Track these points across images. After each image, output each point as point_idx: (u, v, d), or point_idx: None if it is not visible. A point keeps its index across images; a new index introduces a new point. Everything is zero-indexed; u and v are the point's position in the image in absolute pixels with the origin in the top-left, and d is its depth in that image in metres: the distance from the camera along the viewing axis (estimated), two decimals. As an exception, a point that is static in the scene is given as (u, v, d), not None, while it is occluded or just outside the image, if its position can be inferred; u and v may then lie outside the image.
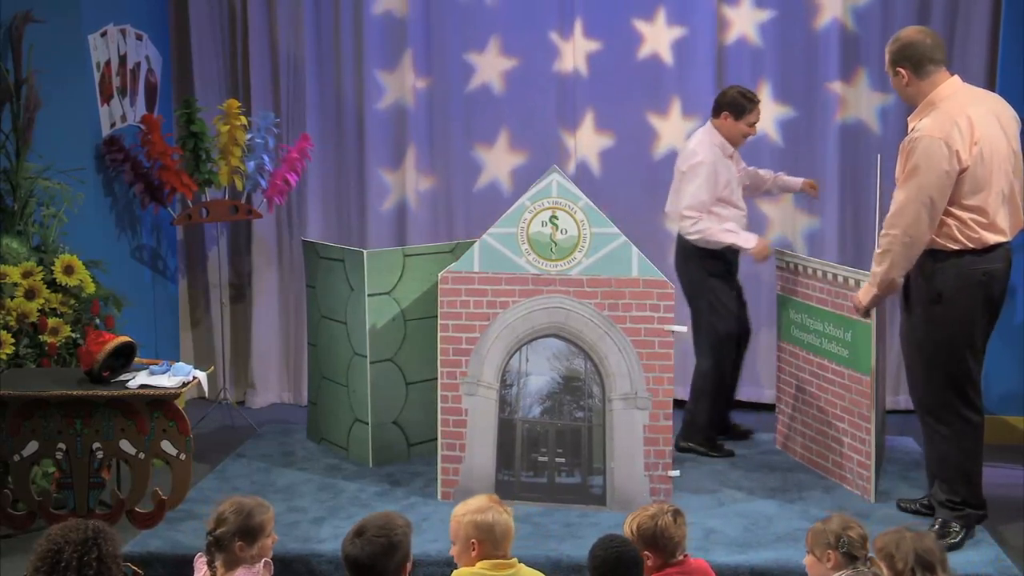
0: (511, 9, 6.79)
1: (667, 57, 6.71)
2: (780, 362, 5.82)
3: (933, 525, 4.69)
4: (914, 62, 4.53)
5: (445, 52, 6.85)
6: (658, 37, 6.70)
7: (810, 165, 6.60)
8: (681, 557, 3.53)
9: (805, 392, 5.55)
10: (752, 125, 5.71)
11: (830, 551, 3.40)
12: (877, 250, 4.62)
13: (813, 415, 5.50)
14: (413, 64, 6.84)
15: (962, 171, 4.41)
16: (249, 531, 3.39)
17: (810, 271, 5.45)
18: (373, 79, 6.87)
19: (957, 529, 4.67)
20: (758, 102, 5.72)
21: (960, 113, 4.45)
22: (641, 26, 6.72)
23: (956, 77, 4.64)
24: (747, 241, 5.62)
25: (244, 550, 3.37)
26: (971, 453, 4.74)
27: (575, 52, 6.75)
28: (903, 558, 3.19)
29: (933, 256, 4.54)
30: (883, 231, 4.57)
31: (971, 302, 4.54)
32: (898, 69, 4.57)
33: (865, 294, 4.78)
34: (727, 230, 5.62)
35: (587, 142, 6.82)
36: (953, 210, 4.47)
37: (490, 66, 6.83)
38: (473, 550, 3.40)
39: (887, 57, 4.65)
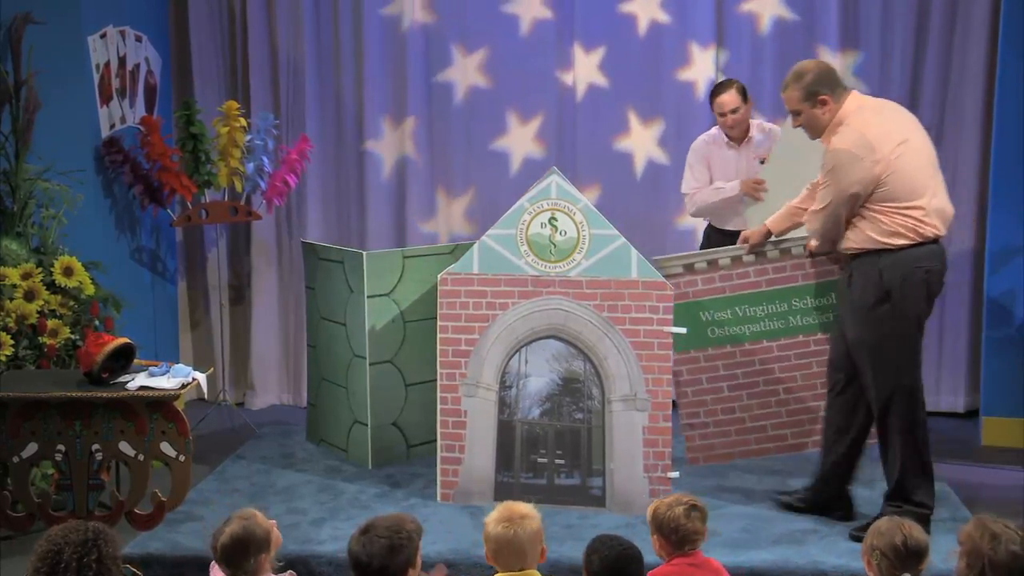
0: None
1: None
2: (697, 373, 5.49)
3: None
4: (832, 85, 4.63)
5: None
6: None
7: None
8: (689, 550, 3.49)
9: (756, 386, 5.51)
10: (723, 115, 5.71)
11: (866, 556, 3.25)
12: (809, 228, 4.79)
13: (765, 403, 5.43)
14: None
15: (882, 176, 4.50)
16: (264, 543, 3.36)
17: (721, 262, 5.42)
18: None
19: None
20: (720, 91, 5.74)
21: (871, 122, 4.57)
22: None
23: (855, 91, 4.75)
24: (732, 189, 5.73)
25: (267, 559, 3.34)
26: (924, 448, 4.70)
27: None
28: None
29: (879, 255, 4.58)
30: (808, 221, 4.76)
31: (916, 299, 4.59)
32: (821, 98, 4.60)
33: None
34: (715, 188, 5.78)
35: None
36: (901, 210, 4.53)
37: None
38: (490, 557, 3.40)
39: (799, 94, 4.63)
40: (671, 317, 4.89)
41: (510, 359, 5.04)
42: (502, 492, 4.94)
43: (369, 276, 5.47)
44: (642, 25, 6.74)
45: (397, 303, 5.59)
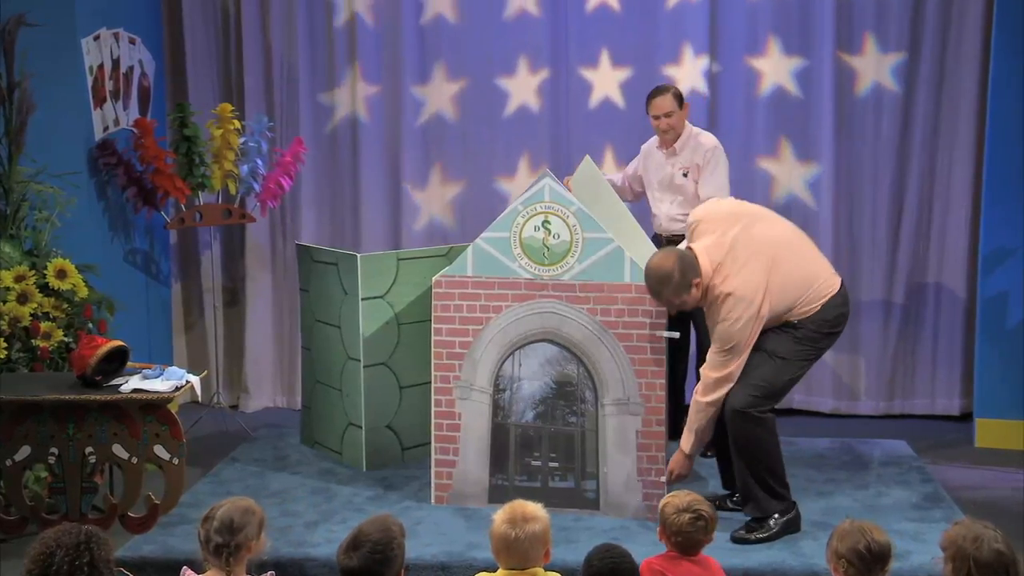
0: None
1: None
2: None
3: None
4: (692, 266, 4.55)
5: None
6: None
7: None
8: (692, 552, 3.52)
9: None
10: (657, 118, 5.69)
11: (832, 562, 3.24)
12: (692, 424, 4.71)
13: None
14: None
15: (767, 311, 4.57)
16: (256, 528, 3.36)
17: None
18: None
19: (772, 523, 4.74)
20: (655, 95, 5.73)
21: (743, 252, 4.57)
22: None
23: (693, 246, 4.65)
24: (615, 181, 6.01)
25: (254, 548, 3.33)
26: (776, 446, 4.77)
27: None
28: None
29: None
30: (697, 400, 4.68)
31: (822, 335, 4.68)
32: (695, 282, 4.53)
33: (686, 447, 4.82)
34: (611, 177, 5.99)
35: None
36: (806, 300, 4.64)
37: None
38: (493, 552, 3.42)
39: (675, 294, 4.56)
40: (664, 321, 4.89)
41: (504, 362, 5.04)
42: (496, 495, 4.94)
43: (363, 278, 5.47)
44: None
45: (391, 305, 5.59)
